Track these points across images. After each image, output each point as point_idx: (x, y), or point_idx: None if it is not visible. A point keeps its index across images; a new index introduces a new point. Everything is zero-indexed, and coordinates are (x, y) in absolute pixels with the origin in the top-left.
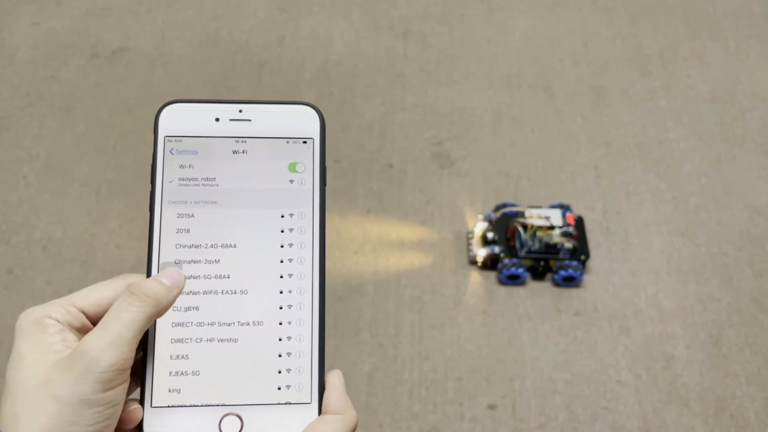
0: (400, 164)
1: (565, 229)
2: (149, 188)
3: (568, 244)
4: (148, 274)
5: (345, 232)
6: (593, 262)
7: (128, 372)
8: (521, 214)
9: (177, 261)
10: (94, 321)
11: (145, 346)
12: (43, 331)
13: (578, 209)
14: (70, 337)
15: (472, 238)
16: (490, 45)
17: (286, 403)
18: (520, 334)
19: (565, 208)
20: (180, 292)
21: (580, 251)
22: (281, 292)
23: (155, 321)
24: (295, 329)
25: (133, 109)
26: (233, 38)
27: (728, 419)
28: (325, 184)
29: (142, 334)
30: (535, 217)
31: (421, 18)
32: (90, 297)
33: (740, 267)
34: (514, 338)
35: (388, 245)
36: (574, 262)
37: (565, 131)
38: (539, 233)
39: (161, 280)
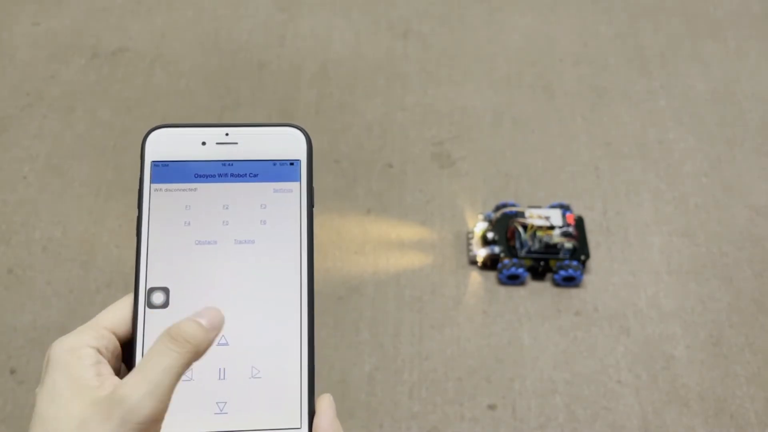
0: (400, 164)
1: (565, 229)
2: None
3: (568, 244)
4: (135, 299)
5: (345, 232)
6: (593, 262)
7: (162, 421)
8: (521, 214)
9: (164, 287)
10: (122, 340)
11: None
12: (79, 363)
13: (578, 209)
14: (105, 369)
15: (472, 238)
16: (490, 45)
17: (276, 429)
18: (520, 334)
19: (565, 208)
20: (218, 334)
21: (580, 251)
22: (269, 316)
23: (140, 346)
24: (284, 354)
25: (133, 109)
26: (233, 38)
27: (728, 419)
28: (312, 206)
29: (179, 380)
30: (535, 217)
31: (421, 18)
32: (115, 316)
33: (740, 267)
34: (514, 338)
35: (388, 245)
36: (574, 262)
37: (565, 131)
38: (539, 233)
39: (200, 321)
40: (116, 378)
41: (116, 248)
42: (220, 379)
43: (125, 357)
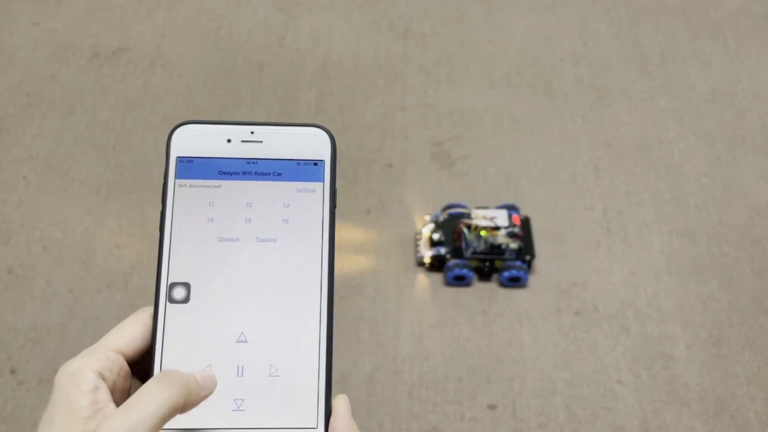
0: (400, 164)
1: (510, 229)
2: (160, 208)
3: (513, 245)
4: (156, 295)
5: (345, 232)
6: (593, 262)
7: None
8: (467, 215)
9: (186, 282)
10: (131, 360)
11: (150, 365)
12: (76, 390)
13: (578, 209)
14: (102, 396)
15: (420, 239)
16: (490, 45)
17: (292, 428)
18: (520, 334)
19: (512, 209)
20: (208, 395)
21: (526, 251)
22: (289, 315)
23: (159, 341)
24: (302, 353)
25: (133, 109)
26: (233, 38)
27: (728, 419)
28: (335, 206)
29: (165, 423)
30: (480, 217)
31: (421, 18)
32: (125, 335)
33: (740, 267)
34: (514, 338)
35: (388, 245)
36: (518, 263)
37: (565, 131)
38: (484, 234)
39: (195, 377)
40: (112, 406)
41: (116, 248)
42: (238, 376)
43: (144, 364)
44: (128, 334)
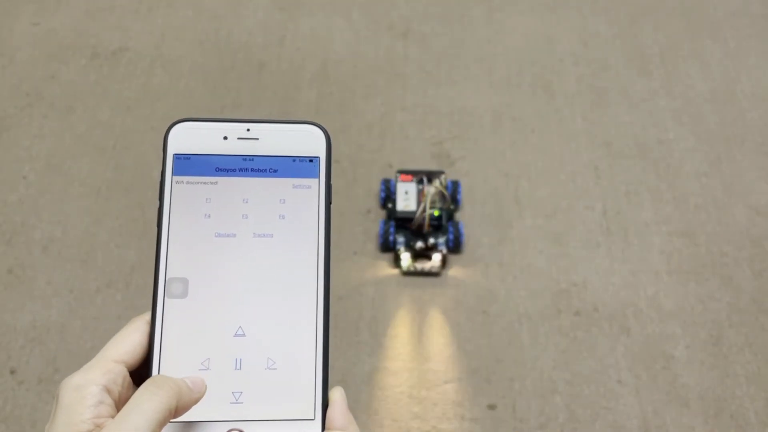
0: (400, 164)
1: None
2: (157, 205)
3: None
4: (155, 290)
5: (345, 231)
6: (593, 262)
7: None
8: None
9: (183, 277)
10: (132, 369)
11: (148, 362)
12: (80, 404)
13: (578, 209)
14: (105, 411)
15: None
16: (490, 45)
17: (290, 420)
18: (520, 334)
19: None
20: (200, 398)
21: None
22: (286, 309)
23: (158, 336)
24: (299, 346)
25: (133, 109)
26: (233, 38)
27: (728, 419)
28: (330, 202)
29: (161, 428)
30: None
31: (421, 18)
32: (123, 346)
33: (740, 267)
34: (514, 338)
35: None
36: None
37: (565, 131)
38: (437, 213)
39: (185, 381)
40: (111, 421)
41: (116, 248)
42: (236, 369)
43: (144, 372)
44: (129, 343)
